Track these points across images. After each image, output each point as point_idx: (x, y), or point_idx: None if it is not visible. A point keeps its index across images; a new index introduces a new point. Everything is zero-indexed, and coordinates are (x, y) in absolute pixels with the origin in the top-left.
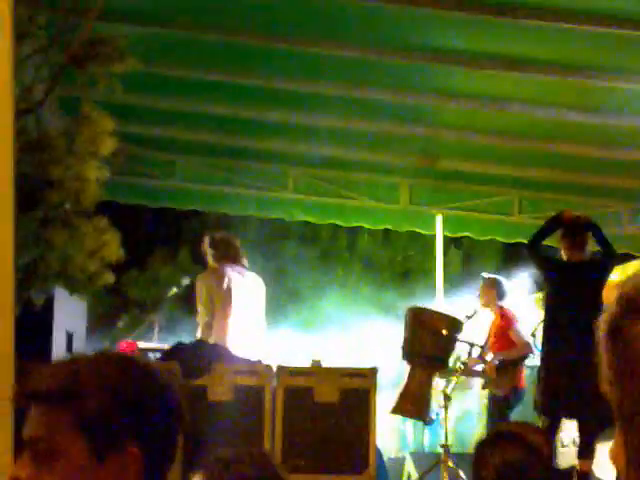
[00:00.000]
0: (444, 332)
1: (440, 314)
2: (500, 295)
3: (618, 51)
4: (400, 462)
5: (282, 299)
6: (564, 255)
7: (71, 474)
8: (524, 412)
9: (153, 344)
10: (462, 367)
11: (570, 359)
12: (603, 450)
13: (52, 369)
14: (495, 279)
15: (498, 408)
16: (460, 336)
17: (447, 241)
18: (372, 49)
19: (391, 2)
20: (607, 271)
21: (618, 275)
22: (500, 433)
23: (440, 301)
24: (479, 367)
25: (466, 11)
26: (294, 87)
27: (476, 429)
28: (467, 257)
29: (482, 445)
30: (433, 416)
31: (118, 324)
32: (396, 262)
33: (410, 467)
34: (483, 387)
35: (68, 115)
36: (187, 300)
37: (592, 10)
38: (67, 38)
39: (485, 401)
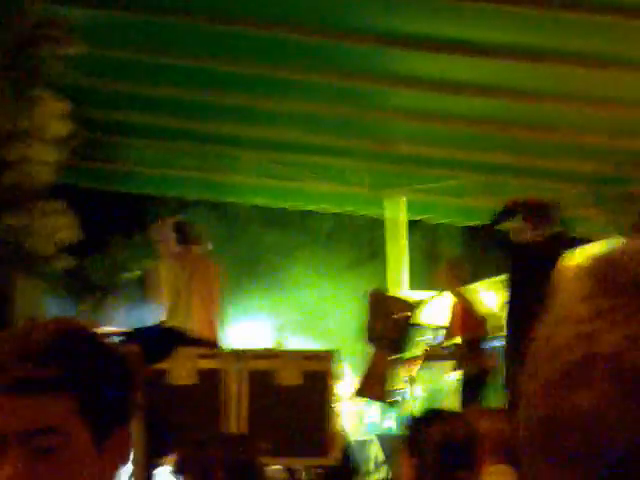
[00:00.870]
0: (400, 315)
1: (397, 298)
2: (461, 277)
3: (575, 36)
4: (366, 445)
5: (242, 283)
6: (519, 237)
7: (75, 466)
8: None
9: (115, 328)
10: (427, 350)
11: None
12: None
13: (20, 346)
14: (455, 262)
15: (471, 388)
16: (419, 320)
17: (409, 225)
18: (331, 33)
19: None
20: (560, 253)
21: (573, 259)
22: (439, 412)
23: (404, 284)
24: (446, 349)
25: None
26: (251, 70)
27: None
28: (429, 241)
29: (420, 422)
30: (397, 398)
31: (79, 308)
32: (358, 245)
33: (376, 449)
34: (454, 368)
35: (20, 98)
36: (149, 284)
37: None
38: (15, 20)
39: (455, 382)
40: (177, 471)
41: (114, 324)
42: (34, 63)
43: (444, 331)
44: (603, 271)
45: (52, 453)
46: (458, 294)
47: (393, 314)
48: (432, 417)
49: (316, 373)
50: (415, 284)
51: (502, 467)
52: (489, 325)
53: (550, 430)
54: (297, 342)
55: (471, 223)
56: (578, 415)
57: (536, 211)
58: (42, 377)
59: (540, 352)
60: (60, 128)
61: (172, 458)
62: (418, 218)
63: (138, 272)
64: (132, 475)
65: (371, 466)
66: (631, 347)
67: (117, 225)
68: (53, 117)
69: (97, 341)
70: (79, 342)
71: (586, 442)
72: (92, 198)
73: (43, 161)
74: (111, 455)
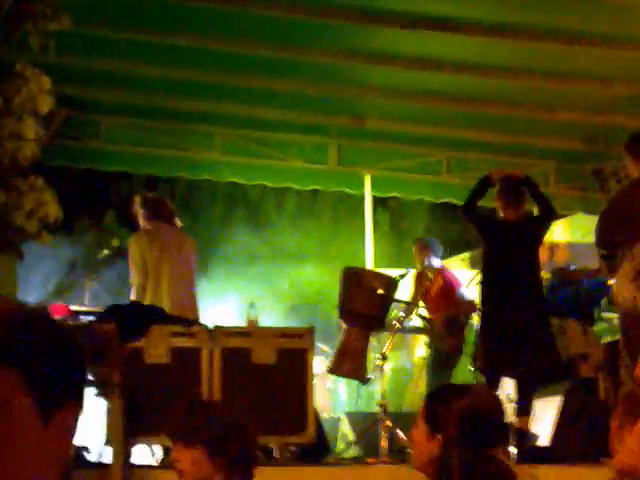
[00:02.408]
0: (380, 291)
1: (375, 273)
2: (434, 256)
3: (546, 10)
4: (335, 423)
5: (212, 260)
6: (501, 214)
7: (15, 437)
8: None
9: (85, 307)
10: (399, 325)
11: (510, 318)
12: (539, 406)
13: None
14: (427, 240)
15: (442, 364)
16: (395, 295)
17: (375, 202)
18: (301, 8)
19: None
20: (544, 229)
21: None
22: (458, 386)
23: (369, 261)
24: (418, 323)
25: None
26: (223, 48)
27: (408, 388)
28: (395, 218)
29: (440, 395)
30: (370, 376)
31: (48, 287)
32: (324, 223)
33: (346, 427)
34: (429, 344)
35: (9, 73)
36: (118, 262)
37: None
38: None
39: (418, 359)
40: (184, 438)
41: (84, 304)
42: (19, 39)
43: (415, 308)
44: None
45: None
46: (436, 272)
47: (376, 290)
48: (452, 391)
49: (292, 351)
50: (380, 261)
51: None
52: (468, 303)
53: None
54: (269, 319)
55: (438, 200)
56: None
57: (510, 187)
58: None
59: None
60: (45, 104)
61: (169, 426)
62: (385, 195)
63: (107, 251)
64: (112, 454)
65: (342, 444)
66: None
67: (86, 204)
68: (40, 93)
69: (41, 316)
70: (21, 317)
71: None
72: (61, 176)
73: (28, 137)
74: (56, 428)
